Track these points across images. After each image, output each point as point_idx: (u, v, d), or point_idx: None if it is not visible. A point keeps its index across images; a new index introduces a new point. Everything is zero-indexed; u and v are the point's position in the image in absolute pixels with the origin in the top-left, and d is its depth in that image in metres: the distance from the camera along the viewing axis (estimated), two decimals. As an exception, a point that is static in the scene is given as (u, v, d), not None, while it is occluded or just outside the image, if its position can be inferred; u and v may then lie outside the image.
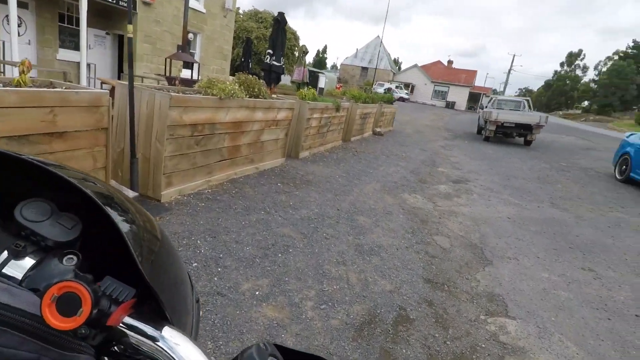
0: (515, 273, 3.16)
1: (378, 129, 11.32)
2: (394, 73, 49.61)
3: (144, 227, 0.45)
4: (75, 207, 0.41)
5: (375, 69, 33.03)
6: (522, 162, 9.62)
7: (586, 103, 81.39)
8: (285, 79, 15.74)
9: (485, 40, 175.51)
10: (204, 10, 12.59)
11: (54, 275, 0.35)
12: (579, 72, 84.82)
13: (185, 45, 7.99)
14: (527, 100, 15.26)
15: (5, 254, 0.36)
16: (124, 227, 0.39)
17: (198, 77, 7.93)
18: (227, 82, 4.12)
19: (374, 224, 3.86)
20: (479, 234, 4.00)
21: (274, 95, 6.25)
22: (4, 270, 0.35)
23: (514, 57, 56.21)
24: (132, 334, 0.36)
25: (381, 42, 39.00)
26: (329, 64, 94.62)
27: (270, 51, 7.72)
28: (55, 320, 0.32)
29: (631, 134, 8.72)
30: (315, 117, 6.63)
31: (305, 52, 9.85)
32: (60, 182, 0.41)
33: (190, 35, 12.30)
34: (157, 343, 0.36)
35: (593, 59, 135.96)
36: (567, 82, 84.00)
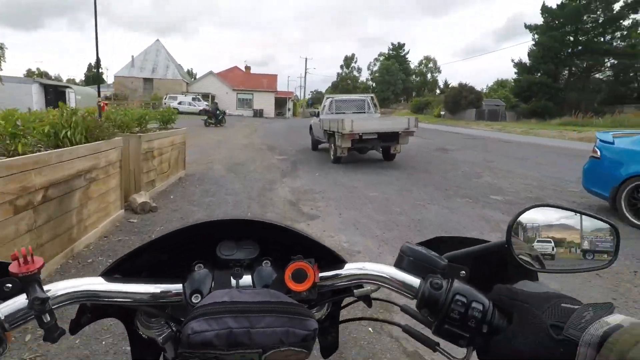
0: None
1: (141, 199, 4.57)
2: (187, 83, 42.09)
3: (292, 225, 0.60)
4: (247, 234, 0.57)
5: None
6: (434, 205, 4.86)
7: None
8: None
9: (274, 50, 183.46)
10: None
11: (266, 274, 0.53)
12: (355, 73, 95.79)
13: None
14: (372, 98, 11.30)
15: (232, 279, 0.52)
16: (290, 226, 0.57)
17: None
18: None
19: None
20: None
21: None
22: (240, 285, 0.52)
23: (306, 60, 56.94)
24: (329, 281, 0.53)
25: (166, 48, 31.06)
26: (110, 79, 77.62)
27: None
28: (298, 287, 0.49)
29: (615, 135, 4.92)
30: None
31: None
32: (225, 227, 0.57)
33: None
34: (344, 275, 0.54)
35: (363, 61, 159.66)
36: (349, 81, 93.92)
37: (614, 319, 0.37)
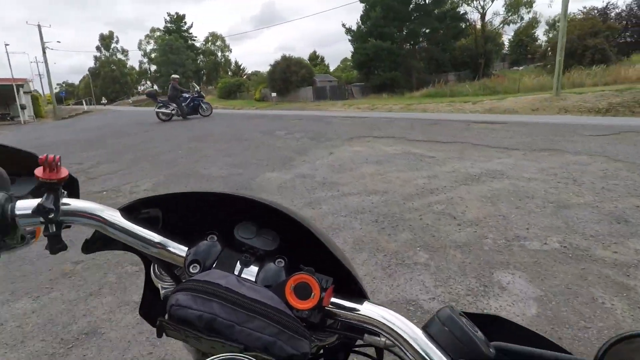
0: None
1: None
2: None
3: (321, 231, 0.50)
4: (272, 223, 0.50)
5: None
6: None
7: (149, 84, 72.93)
8: None
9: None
10: None
11: (273, 274, 0.45)
12: (120, 55, 74.06)
13: None
14: None
15: (239, 265, 0.46)
16: (318, 233, 0.47)
17: None
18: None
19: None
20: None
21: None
22: (242, 275, 0.45)
23: (40, 27, 34.12)
24: (339, 311, 0.44)
25: None
26: None
27: None
28: (297, 303, 0.41)
29: None
30: None
31: None
32: (254, 207, 0.49)
33: None
34: (358, 312, 0.43)
35: (125, 43, 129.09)
36: (113, 66, 71.43)
37: None
